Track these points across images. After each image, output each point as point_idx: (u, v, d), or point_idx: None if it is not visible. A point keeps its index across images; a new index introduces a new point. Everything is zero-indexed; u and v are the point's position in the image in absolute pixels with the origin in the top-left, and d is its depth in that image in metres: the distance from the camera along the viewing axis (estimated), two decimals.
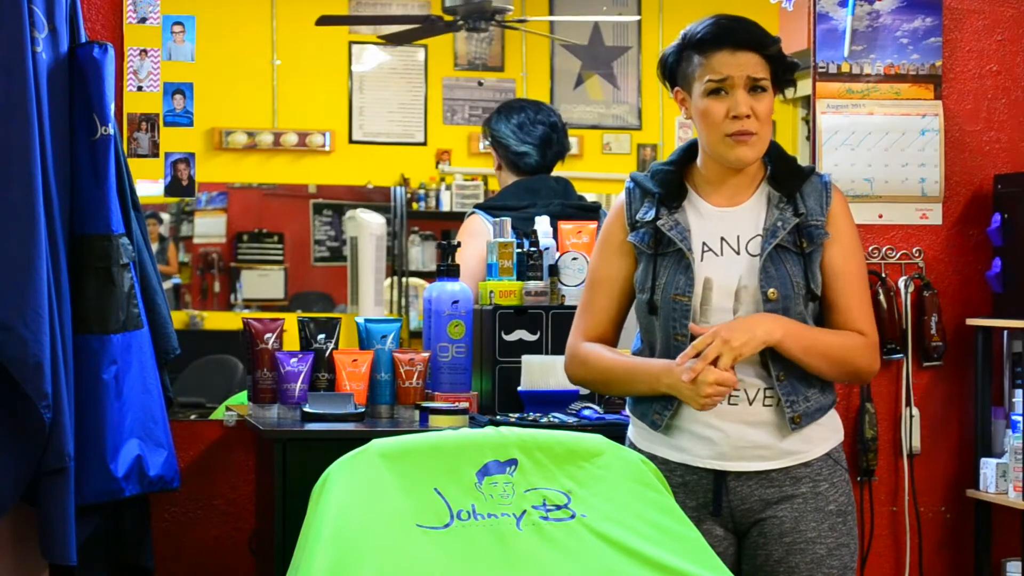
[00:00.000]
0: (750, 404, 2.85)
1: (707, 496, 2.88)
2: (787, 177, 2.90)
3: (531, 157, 4.06)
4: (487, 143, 4.20)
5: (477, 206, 4.08)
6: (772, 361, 2.83)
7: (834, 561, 2.86)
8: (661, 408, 2.89)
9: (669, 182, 2.91)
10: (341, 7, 6.47)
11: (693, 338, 2.80)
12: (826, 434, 2.91)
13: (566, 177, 4.17)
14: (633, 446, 2.96)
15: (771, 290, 2.82)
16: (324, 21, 6.11)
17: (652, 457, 2.87)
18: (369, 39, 6.60)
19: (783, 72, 2.86)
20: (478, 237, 3.82)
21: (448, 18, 5.77)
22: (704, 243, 2.87)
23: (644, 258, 2.90)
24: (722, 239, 2.87)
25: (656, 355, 2.89)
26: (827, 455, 2.90)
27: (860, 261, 2.93)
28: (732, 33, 2.83)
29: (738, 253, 2.86)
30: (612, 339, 2.99)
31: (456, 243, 3.61)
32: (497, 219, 3.69)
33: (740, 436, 2.85)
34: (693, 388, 2.75)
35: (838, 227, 2.89)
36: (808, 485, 2.87)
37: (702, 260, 2.86)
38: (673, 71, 2.91)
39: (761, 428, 2.85)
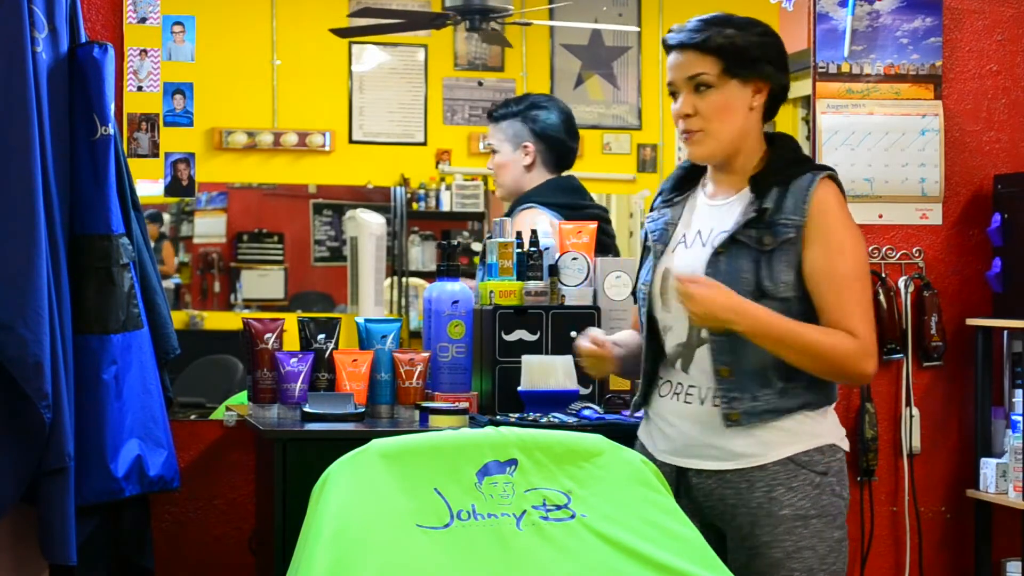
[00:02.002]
0: (701, 404, 2.89)
1: (672, 490, 2.89)
2: (771, 172, 2.89)
3: (574, 154, 4.08)
4: (517, 140, 4.06)
5: (527, 200, 4.00)
6: (717, 354, 2.86)
7: (794, 564, 2.83)
8: (639, 395, 3.03)
9: (676, 176, 3.05)
10: (341, 8, 6.46)
11: (659, 328, 2.96)
12: (786, 438, 2.85)
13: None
14: (643, 449, 3.02)
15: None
16: (339, 33, 6.12)
17: (643, 446, 2.98)
18: (369, 39, 6.59)
19: (735, 63, 2.86)
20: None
21: (449, 27, 5.76)
22: (684, 235, 2.96)
23: (642, 250, 3.10)
24: (699, 232, 2.93)
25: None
26: (788, 459, 2.85)
27: (851, 262, 2.84)
28: (674, 36, 2.91)
29: (704, 245, 2.91)
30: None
31: (456, 243, 3.62)
32: (564, 218, 3.75)
33: (692, 435, 2.90)
34: None
35: (821, 226, 2.84)
36: (763, 489, 2.85)
37: (673, 252, 2.95)
38: None
39: (709, 428, 2.88)
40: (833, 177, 2.90)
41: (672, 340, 2.94)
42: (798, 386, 2.85)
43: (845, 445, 2.93)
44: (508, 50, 6.59)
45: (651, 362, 2.99)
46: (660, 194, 3.07)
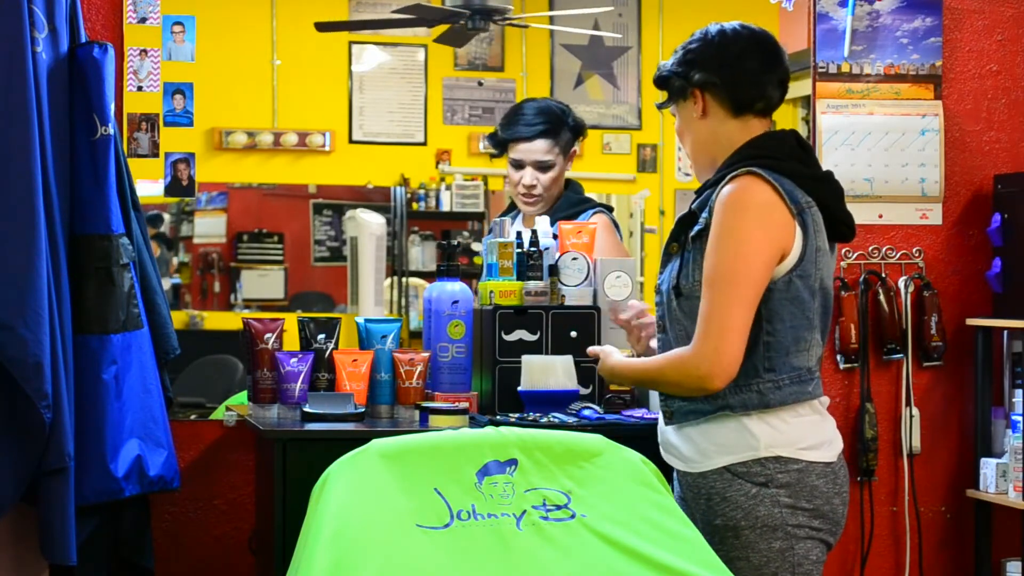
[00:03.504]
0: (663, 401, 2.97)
1: None
2: (717, 173, 2.92)
3: None
4: (568, 147, 4.03)
5: (591, 206, 4.04)
6: (657, 353, 2.97)
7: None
8: None
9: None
10: (341, 8, 6.46)
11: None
12: (723, 448, 2.83)
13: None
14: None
15: (657, 286, 2.97)
16: (323, 28, 6.11)
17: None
18: (369, 39, 6.59)
19: (664, 90, 3.03)
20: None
21: (444, 28, 5.76)
22: None
23: None
24: None
25: None
26: (724, 468, 2.83)
27: (714, 259, 2.77)
28: None
29: None
30: None
31: (456, 243, 3.62)
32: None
33: (661, 431, 2.99)
34: None
35: (713, 226, 2.80)
36: (703, 498, 2.86)
37: None
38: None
39: (667, 426, 2.96)
40: (756, 174, 2.80)
41: None
42: (722, 391, 2.82)
43: (815, 455, 2.84)
44: (508, 50, 6.59)
45: None
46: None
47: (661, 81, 3.00)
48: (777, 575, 2.83)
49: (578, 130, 4.07)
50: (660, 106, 3.05)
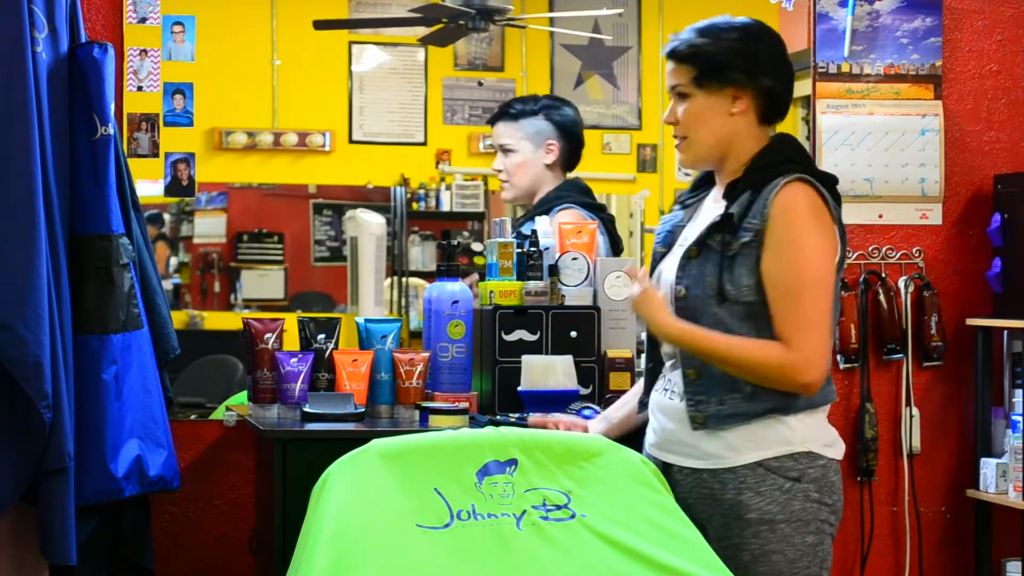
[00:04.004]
0: (680, 400, 2.88)
1: None
2: (746, 176, 2.88)
3: (579, 156, 4.10)
4: (542, 137, 4.03)
5: (570, 203, 3.98)
6: (684, 358, 2.86)
7: (761, 568, 2.80)
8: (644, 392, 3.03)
9: (694, 179, 3.06)
10: (341, 8, 6.47)
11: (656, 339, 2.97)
12: (757, 443, 2.82)
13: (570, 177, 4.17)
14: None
15: (679, 288, 2.87)
16: (321, 26, 6.11)
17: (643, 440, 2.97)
18: (369, 39, 6.60)
19: (705, 72, 2.87)
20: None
21: (445, 21, 5.76)
22: (686, 238, 2.96)
23: None
24: (692, 236, 2.93)
25: None
26: (757, 463, 2.82)
27: (793, 265, 2.78)
28: (666, 44, 2.95)
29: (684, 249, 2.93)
30: None
31: (456, 243, 3.62)
32: (596, 217, 3.78)
33: (670, 431, 2.90)
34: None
35: (778, 231, 2.79)
36: (732, 492, 2.83)
37: (672, 254, 2.97)
38: None
39: (685, 426, 2.87)
40: (806, 180, 2.82)
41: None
42: (760, 392, 2.81)
43: (833, 452, 2.87)
44: (508, 50, 6.59)
45: (654, 360, 2.99)
46: (677, 196, 3.10)
47: (702, 59, 2.87)
48: (808, 569, 2.84)
49: (558, 124, 4.04)
50: (675, 88, 2.90)
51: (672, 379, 2.92)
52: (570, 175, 4.13)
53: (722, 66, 2.86)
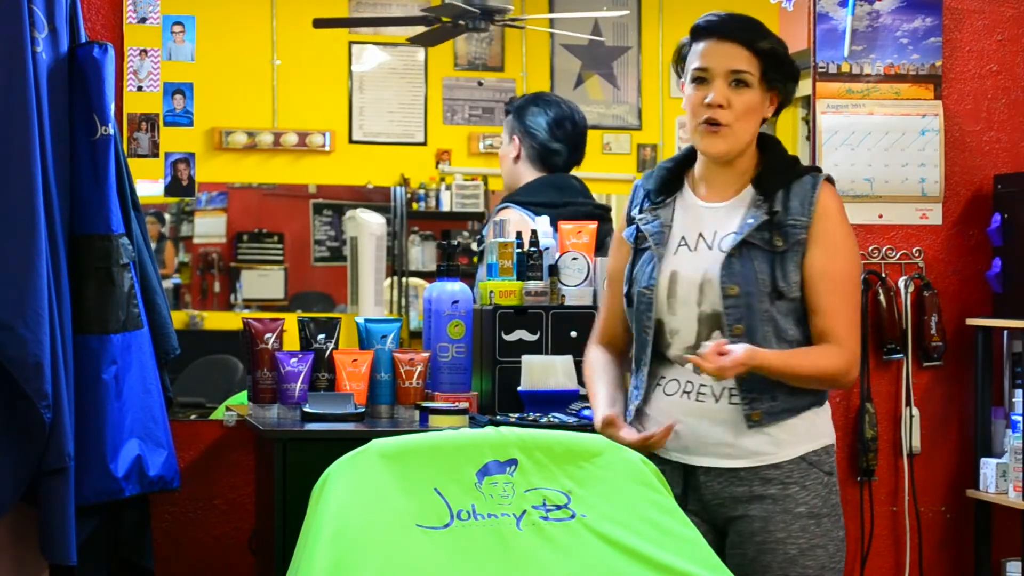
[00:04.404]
0: (716, 401, 2.87)
1: (679, 488, 2.88)
2: (774, 175, 2.89)
3: (560, 156, 4.06)
4: (510, 133, 4.11)
5: (509, 200, 4.01)
6: None
7: (808, 561, 2.84)
8: (633, 395, 2.97)
9: (660, 178, 2.98)
10: (341, 8, 6.47)
11: (665, 332, 2.91)
12: (799, 437, 2.87)
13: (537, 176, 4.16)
14: None
15: (730, 286, 2.84)
16: (320, 24, 6.11)
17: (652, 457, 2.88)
18: (369, 39, 6.59)
19: (778, 71, 2.87)
20: (525, 228, 3.83)
21: (446, 19, 5.76)
22: (683, 237, 2.92)
23: (633, 252, 2.98)
24: (700, 234, 2.91)
25: (633, 345, 2.99)
26: (801, 458, 2.86)
27: (847, 265, 2.88)
28: (723, 24, 2.87)
29: (710, 248, 2.89)
30: (622, 335, 3.04)
31: (456, 243, 3.62)
32: (537, 216, 3.71)
33: (706, 433, 2.87)
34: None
35: (823, 229, 2.86)
36: (777, 487, 2.85)
37: (675, 254, 2.91)
38: (679, 64, 2.96)
39: (724, 426, 2.86)
40: (831, 180, 2.92)
41: (680, 343, 2.90)
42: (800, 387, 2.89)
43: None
44: (508, 50, 6.59)
45: (653, 363, 2.95)
46: (646, 195, 2.99)
47: (775, 59, 2.87)
48: (840, 564, 2.90)
49: (521, 122, 4.08)
50: (739, 74, 2.84)
51: (694, 380, 2.88)
52: (572, 173, 4.13)
53: (786, 72, 2.89)
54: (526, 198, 4.01)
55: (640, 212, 2.98)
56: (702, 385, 2.88)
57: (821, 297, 2.84)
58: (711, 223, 2.91)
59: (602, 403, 2.95)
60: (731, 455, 2.87)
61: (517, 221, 3.83)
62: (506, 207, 3.98)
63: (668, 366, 2.94)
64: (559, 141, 4.05)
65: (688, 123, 2.90)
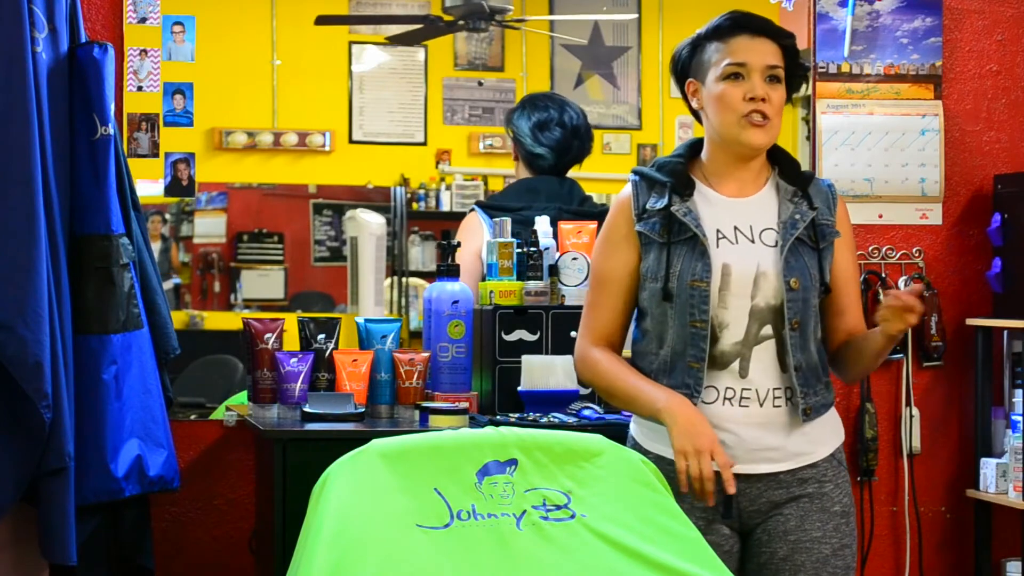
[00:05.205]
0: (760, 405, 2.84)
1: (717, 498, 2.79)
2: (796, 172, 2.94)
3: (545, 160, 4.00)
4: (509, 135, 4.12)
5: (478, 203, 4.04)
6: (792, 350, 2.83)
7: (838, 561, 2.87)
8: None
9: (679, 172, 2.91)
10: (341, 7, 6.47)
11: (712, 326, 2.82)
12: (829, 434, 2.92)
13: (570, 178, 4.15)
14: (637, 446, 2.93)
15: (793, 279, 2.83)
16: (322, 21, 6.11)
17: (659, 458, 2.84)
18: (369, 39, 6.59)
19: (795, 67, 2.91)
20: (474, 235, 3.82)
21: (448, 18, 5.76)
22: (718, 230, 2.87)
23: (655, 247, 2.87)
24: (735, 228, 2.88)
25: (667, 345, 2.87)
26: (831, 456, 2.91)
27: (857, 266, 3.04)
28: (752, 20, 2.89)
29: (753, 242, 2.87)
30: (619, 339, 2.97)
31: (456, 243, 3.61)
32: (497, 219, 3.68)
33: (752, 439, 2.84)
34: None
35: (844, 232, 2.95)
36: (814, 486, 2.87)
37: (717, 247, 2.85)
38: (686, 64, 2.93)
39: (771, 429, 2.85)
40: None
41: (729, 338, 2.84)
42: (831, 381, 2.95)
43: None
44: (508, 50, 6.59)
45: (696, 365, 2.85)
46: (664, 185, 2.88)
47: (795, 56, 2.93)
48: (855, 564, 2.93)
49: (508, 124, 4.07)
50: (774, 68, 2.85)
51: (736, 386, 2.83)
52: (570, 174, 4.13)
53: (800, 68, 2.94)
54: (493, 201, 4.07)
55: (662, 205, 2.87)
56: (744, 390, 2.84)
57: (845, 298, 2.94)
58: (743, 217, 2.88)
59: (658, 391, 2.83)
60: (775, 459, 2.86)
61: (467, 227, 3.87)
62: (472, 210, 4.00)
63: (710, 373, 2.85)
64: (542, 145, 4.00)
65: (723, 118, 2.84)
